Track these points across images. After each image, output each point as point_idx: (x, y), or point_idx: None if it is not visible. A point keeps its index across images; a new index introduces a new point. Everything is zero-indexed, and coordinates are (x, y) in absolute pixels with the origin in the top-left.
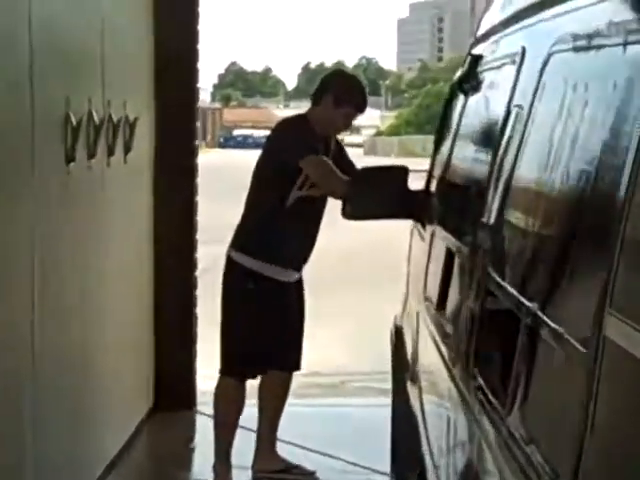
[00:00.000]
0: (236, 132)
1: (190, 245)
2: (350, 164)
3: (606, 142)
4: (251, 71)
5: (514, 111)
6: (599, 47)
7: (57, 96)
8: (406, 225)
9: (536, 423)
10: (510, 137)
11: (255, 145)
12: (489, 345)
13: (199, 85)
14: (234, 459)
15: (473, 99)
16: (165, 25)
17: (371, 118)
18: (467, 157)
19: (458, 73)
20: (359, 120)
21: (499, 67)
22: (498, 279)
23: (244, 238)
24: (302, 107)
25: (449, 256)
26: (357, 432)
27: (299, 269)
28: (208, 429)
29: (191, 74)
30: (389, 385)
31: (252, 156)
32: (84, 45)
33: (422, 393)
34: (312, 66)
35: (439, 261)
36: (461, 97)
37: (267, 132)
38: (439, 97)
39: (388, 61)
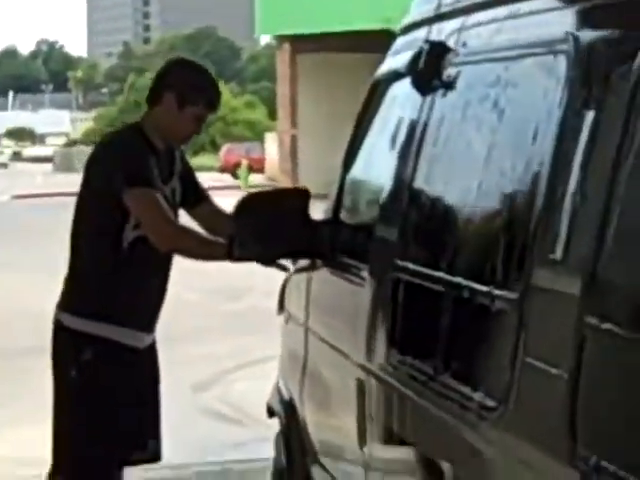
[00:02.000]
0: None
1: None
2: (200, 190)
3: None
4: None
5: (588, 115)
6: None
7: None
8: None
9: None
10: (585, 153)
11: None
12: None
13: None
14: None
15: (451, 102)
16: None
17: (58, 122)
18: (468, 182)
19: (388, 66)
20: (42, 126)
21: (512, 58)
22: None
23: (76, 295)
24: None
25: (439, 305)
26: None
27: (150, 330)
28: None
29: None
30: None
31: None
32: None
33: None
34: None
35: (423, 310)
36: (410, 98)
37: None
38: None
39: (77, 46)
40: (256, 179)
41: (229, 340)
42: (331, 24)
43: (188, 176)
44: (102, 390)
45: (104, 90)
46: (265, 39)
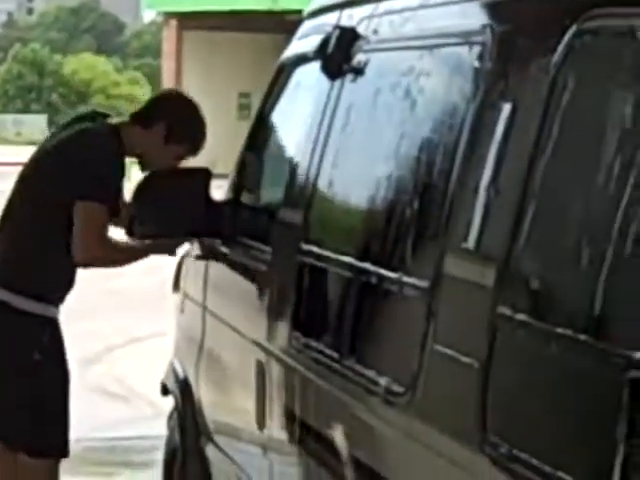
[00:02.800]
0: None
1: None
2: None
3: None
4: None
5: (503, 107)
6: None
7: None
8: None
9: None
10: (497, 141)
11: None
12: None
13: None
14: None
15: (361, 88)
16: None
17: None
18: (378, 168)
19: (294, 50)
20: None
21: (425, 48)
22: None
23: (23, 278)
24: None
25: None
26: None
27: None
28: None
29: None
30: None
31: None
32: None
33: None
34: None
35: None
36: (318, 82)
37: None
38: (34, 63)
39: None
40: None
41: (110, 318)
42: (218, 2)
43: None
44: (63, 371)
45: None
46: (150, 16)
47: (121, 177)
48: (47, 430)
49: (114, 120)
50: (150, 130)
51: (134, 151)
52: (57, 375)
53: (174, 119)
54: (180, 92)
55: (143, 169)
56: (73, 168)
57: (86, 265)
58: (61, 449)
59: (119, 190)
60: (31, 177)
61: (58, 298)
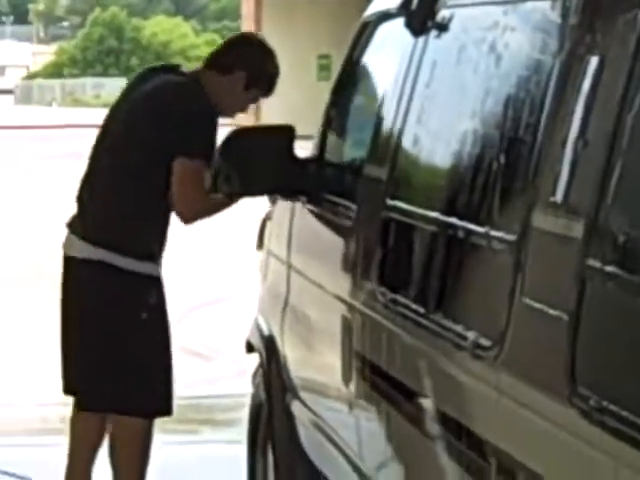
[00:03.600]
0: None
1: None
2: None
3: None
4: None
5: (590, 61)
6: None
7: None
8: None
9: None
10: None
11: None
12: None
13: None
14: None
15: (446, 44)
16: None
17: (19, 55)
18: (464, 123)
19: (377, 7)
20: (2, 58)
21: (510, 3)
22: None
23: (129, 238)
24: None
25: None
26: None
27: None
28: None
29: None
30: None
31: None
32: None
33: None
34: None
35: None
36: (401, 39)
37: None
38: (112, 26)
39: None
40: None
41: (193, 276)
42: None
43: None
44: (166, 329)
45: (66, 24)
46: None
47: (217, 131)
48: (154, 389)
49: (184, 69)
50: (230, 76)
51: (214, 99)
52: (162, 333)
53: (254, 64)
54: (253, 35)
55: (220, 114)
56: (174, 123)
57: (195, 220)
58: (167, 407)
59: (215, 144)
60: (121, 132)
61: (159, 255)
